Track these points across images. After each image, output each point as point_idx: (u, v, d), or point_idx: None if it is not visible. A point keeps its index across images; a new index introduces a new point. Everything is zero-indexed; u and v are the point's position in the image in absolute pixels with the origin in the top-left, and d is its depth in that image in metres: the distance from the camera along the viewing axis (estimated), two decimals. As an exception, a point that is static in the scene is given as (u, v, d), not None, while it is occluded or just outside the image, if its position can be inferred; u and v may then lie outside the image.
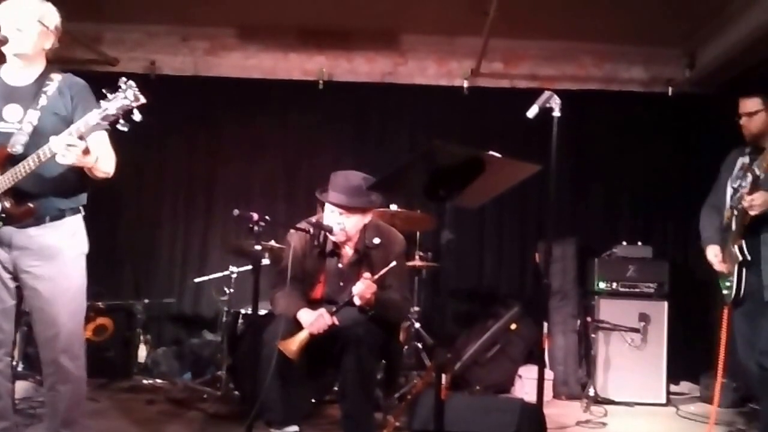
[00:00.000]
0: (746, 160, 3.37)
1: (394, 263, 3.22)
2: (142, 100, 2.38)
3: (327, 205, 3.29)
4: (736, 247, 3.24)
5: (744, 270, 3.23)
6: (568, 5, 4.75)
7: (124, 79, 2.38)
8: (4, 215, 2.55)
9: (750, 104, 3.35)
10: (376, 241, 3.33)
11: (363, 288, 3.12)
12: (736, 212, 3.27)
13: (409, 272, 4.01)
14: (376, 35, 5.52)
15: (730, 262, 3.29)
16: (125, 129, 2.39)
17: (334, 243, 3.33)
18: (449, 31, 5.45)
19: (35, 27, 2.62)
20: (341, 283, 3.28)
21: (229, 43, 5.65)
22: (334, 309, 3.15)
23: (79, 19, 2.77)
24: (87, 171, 2.60)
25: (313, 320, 3.07)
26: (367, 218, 3.33)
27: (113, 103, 2.38)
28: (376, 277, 3.18)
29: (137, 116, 2.38)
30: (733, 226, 3.28)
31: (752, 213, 3.12)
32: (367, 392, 3.08)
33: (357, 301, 3.13)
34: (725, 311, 3.45)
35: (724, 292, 3.38)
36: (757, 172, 3.14)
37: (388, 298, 3.23)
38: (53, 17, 2.70)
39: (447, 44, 5.59)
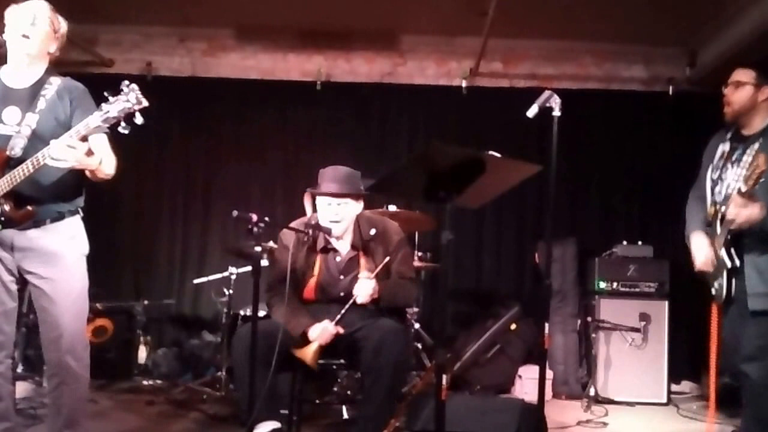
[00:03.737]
0: (726, 147, 3.19)
1: (388, 258, 3.22)
2: (145, 103, 2.41)
3: (321, 201, 3.25)
4: (723, 251, 3.06)
5: (733, 276, 3.07)
6: (568, 5, 4.74)
7: (126, 82, 2.41)
8: (3, 218, 2.56)
9: (742, 74, 3.08)
10: (372, 232, 3.32)
11: (363, 287, 3.12)
12: (720, 213, 3.09)
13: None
14: (375, 36, 5.51)
15: (717, 267, 3.13)
16: (126, 132, 2.42)
17: (327, 241, 3.31)
18: (448, 31, 5.44)
19: (44, 28, 2.64)
20: (341, 276, 3.25)
21: (227, 44, 5.64)
22: (337, 317, 3.12)
23: (74, 20, 2.76)
24: (89, 173, 2.61)
25: (319, 333, 3.09)
26: (359, 206, 3.31)
27: (115, 106, 2.40)
28: (373, 274, 3.17)
29: (139, 119, 2.41)
30: (718, 228, 3.11)
31: (732, 226, 2.92)
32: (391, 398, 3.06)
33: (360, 300, 3.13)
34: (714, 308, 3.34)
35: (714, 290, 3.24)
36: (743, 188, 2.83)
37: (395, 282, 3.25)
38: (62, 24, 2.73)
39: (446, 44, 5.59)
